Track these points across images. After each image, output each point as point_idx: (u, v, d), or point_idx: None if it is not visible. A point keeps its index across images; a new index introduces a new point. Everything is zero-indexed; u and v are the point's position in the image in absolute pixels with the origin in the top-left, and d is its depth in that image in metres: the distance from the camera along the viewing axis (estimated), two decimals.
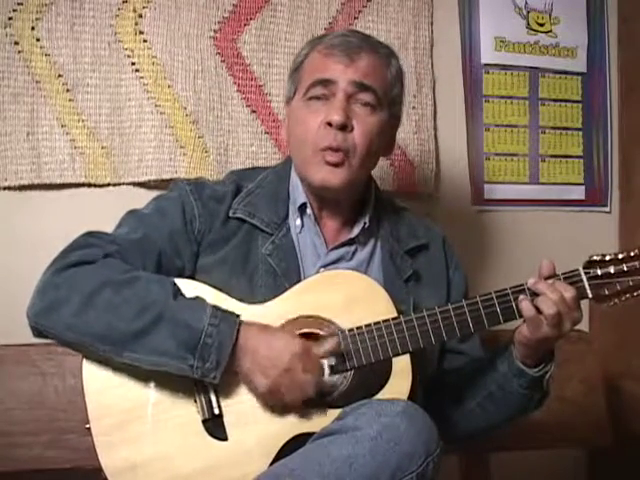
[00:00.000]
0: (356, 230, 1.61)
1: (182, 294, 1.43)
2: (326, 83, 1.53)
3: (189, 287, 1.45)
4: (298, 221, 1.60)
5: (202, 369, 1.35)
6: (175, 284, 1.44)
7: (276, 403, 1.39)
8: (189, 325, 1.36)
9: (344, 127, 1.51)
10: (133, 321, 1.36)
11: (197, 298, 1.42)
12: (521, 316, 1.44)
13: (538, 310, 1.41)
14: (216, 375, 1.36)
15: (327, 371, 1.42)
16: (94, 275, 1.41)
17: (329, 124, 1.51)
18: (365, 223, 1.61)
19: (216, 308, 1.39)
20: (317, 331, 1.46)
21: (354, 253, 1.61)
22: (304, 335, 1.44)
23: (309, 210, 1.60)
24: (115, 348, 1.37)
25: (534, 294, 1.43)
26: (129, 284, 1.40)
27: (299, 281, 1.51)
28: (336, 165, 1.52)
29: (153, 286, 1.40)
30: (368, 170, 1.62)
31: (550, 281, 1.44)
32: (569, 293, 1.42)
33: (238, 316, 1.40)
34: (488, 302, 1.45)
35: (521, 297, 1.43)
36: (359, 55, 1.54)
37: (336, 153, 1.52)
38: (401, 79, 1.64)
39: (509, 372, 1.52)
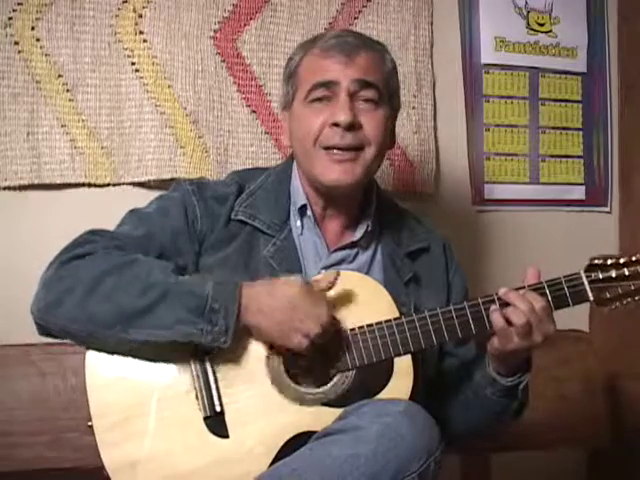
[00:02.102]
0: (359, 233, 1.61)
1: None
2: (328, 85, 1.53)
3: None
4: (298, 223, 1.60)
5: (212, 333, 1.36)
6: (174, 267, 1.45)
7: (299, 341, 1.38)
8: (194, 293, 1.37)
9: (352, 126, 1.51)
10: (138, 299, 1.37)
11: (197, 275, 1.44)
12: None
13: (508, 322, 1.41)
14: (226, 340, 1.36)
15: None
16: (95, 264, 1.41)
17: (336, 124, 1.51)
18: (368, 226, 1.61)
19: (217, 280, 1.40)
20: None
21: (356, 255, 1.61)
22: None
23: (309, 212, 1.60)
24: (122, 328, 1.37)
25: (505, 304, 1.43)
26: (130, 266, 1.41)
27: None
28: (348, 161, 1.52)
29: (154, 267, 1.42)
30: (379, 164, 1.61)
31: (522, 291, 1.44)
32: (539, 304, 1.42)
33: (238, 282, 1.40)
34: (490, 303, 1.45)
35: (492, 308, 1.44)
36: (357, 53, 1.54)
37: (345, 152, 1.52)
38: (396, 72, 1.64)
39: (482, 380, 1.54)
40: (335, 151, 1.52)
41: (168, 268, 1.43)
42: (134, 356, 1.42)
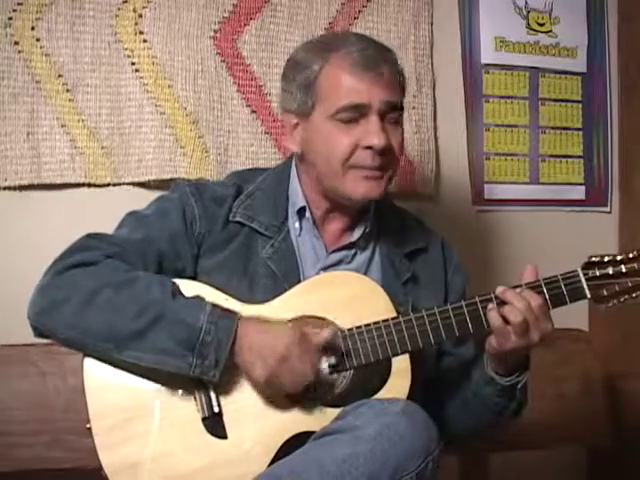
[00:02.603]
0: (357, 234, 1.61)
1: (181, 293, 1.44)
2: (357, 107, 1.50)
3: (190, 288, 1.46)
4: (297, 224, 1.60)
5: (201, 367, 1.36)
6: (174, 283, 1.44)
7: (277, 393, 1.39)
8: (187, 323, 1.37)
9: (384, 150, 1.50)
10: (133, 320, 1.37)
11: (196, 297, 1.43)
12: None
13: (505, 320, 1.41)
14: (215, 374, 1.37)
15: (326, 367, 1.42)
16: (95, 276, 1.41)
17: (368, 147, 1.49)
18: (366, 227, 1.61)
19: (214, 306, 1.40)
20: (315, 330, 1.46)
21: (354, 256, 1.61)
22: None
23: (307, 214, 1.59)
24: (116, 347, 1.38)
25: (502, 303, 1.43)
26: (129, 284, 1.41)
27: (299, 283, 1.52)
28: (375, 179, 1.52)
29: (152, 286, 1.41)
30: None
31: (518, 289, 1.44)
32: (536, 301, 1.42)
33: (236, 313, 1.40)
34: (487, 302, 1.45)
35: (490, 306, 1.44)
36: (382, 69, 1.51)
37: (375, 171, 1.52)
38: (404, 76, 1.62)
39: (480, 379, 1.54)
40: (364, 170, 1.51)
41: (167, 284, 1.43)
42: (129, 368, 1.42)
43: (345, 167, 1.51)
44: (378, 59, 1.53)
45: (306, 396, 1.41)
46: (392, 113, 1.53)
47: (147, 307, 1.38)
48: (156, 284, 1.42)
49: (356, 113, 1.50)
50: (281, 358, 1.36)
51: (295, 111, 1.57)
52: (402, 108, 1.56)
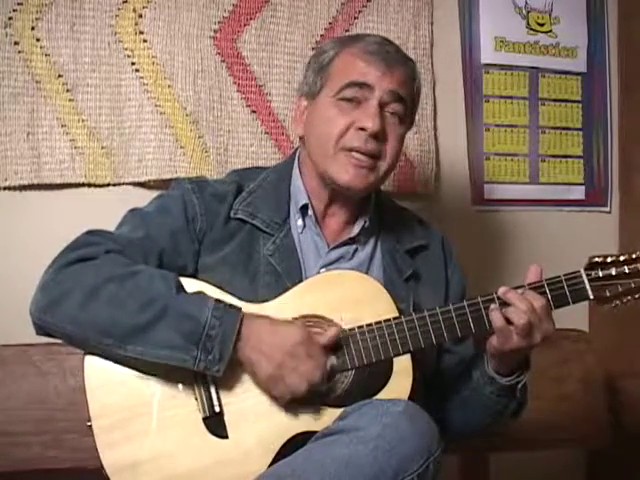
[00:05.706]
0: (356, 229, 1.61)
1: (184, 289, 1.43)
2: (362, 86, 1.53)
3: (192, 286, 1.45)
4: (300, 222, 1.60)
5: (205, 362, 1.35)
6: (177, 278, 1.44)
7: (281, 392, 1.38)
8: (192, 317, 1.36)
9: (377, 135, 1.52)
10: (137, 315, 1.37)
11: (200, 292, 1.43)
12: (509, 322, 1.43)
13: (508, 321, 1.42)
14: (219, 368, 1.36)
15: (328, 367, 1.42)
16: (97, 270, 1.41)
17: (362, 129, 1.51)
18: (365, 222, 1.61)
19: (219, 301, 1.39)
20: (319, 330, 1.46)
21: (354, 252, 1.61)
22: None
23: (310, 211, 1.60)
24: (119, 342, 1.37)
25: (504, 304, 1.44)
26: (132, 278, 1.40)
27: (301, 281, 1.52)
28: (365, 168, 1.53)
29: (156, 280, 1.41)
30: (386, 179, 1.63)
31: (520, 290, 1.44)
32: (539, 302, 1.42)
33: (240, 309, 1.39)
34: (489, 302, 1.45)
35: (492, 307, 1.44)
36: (396, 65, 1.55)
37: (365, 157, 1.53)
38: (419, 94, 1.66)
39: (481, 379, 1.54)
40: (355, 154, 1.52)
41: (170, 279, 1.42)
42: (130, 365, 1.42)
43: (337, 148, 1.53)
44: (396, 58, 1.56)
45: (311, 398, 1.40)
46: (395, 104, 1.55)
47: (150, 301, 1.37)
48: (159, 278, 1.42)
49: (358, 93, 1.53)
50: (287, 355, 1.36)
51: (306, 94, 1.62)
52: (408, 108, 1.58)
